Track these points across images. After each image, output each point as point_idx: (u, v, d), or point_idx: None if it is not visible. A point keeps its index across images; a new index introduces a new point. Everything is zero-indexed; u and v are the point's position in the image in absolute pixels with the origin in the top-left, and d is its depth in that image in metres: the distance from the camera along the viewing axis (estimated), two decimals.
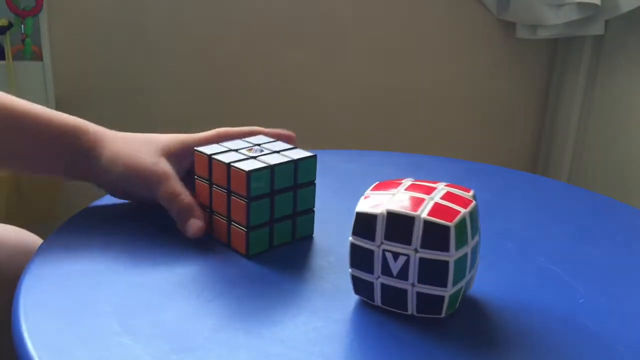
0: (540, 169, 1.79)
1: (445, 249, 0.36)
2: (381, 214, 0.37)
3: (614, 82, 1.58)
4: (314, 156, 0.48)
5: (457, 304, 0.39)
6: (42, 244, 0.47)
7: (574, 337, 0.39)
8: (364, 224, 0.38)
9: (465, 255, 0.37)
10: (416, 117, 1.62)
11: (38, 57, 1.21)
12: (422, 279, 0.37)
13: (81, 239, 0.48)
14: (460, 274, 0.37)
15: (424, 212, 0.37)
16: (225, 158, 0.46)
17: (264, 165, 0.45)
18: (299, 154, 0.48)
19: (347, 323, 0.39)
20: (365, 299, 0.40)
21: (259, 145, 0.50)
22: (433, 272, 0.37)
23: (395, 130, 1.61)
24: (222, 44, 1.41)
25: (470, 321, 0.40)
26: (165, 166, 0.50)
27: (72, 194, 1.23)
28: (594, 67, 1.62)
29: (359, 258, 0.39)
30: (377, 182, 0.42)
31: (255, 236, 0.46)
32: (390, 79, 1.57)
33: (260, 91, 1.47)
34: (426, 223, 0.36)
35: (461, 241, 0.37)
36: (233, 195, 0.46)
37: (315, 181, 0.49)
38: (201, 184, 0.49)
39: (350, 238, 0.39)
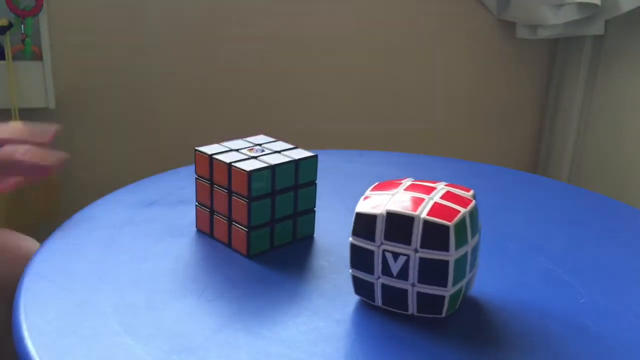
0: (541, 168, 1.79)
1: (445, 248, 0.36)
2: (381, 214, 0.37)
3: (614, 82, 1.58)
4: (315, 156, 0.48)
5: (458, 304, 0.39)
6: (42, 244, 0.47)
7: (574, 337, 0.39)
8: (364, 224, 0.38)
9: (465, 254, 0.37)
10: (416, 117, 1.62)
11: (38, 57, 1.21)
12: (422, 279, 0.37)
13: (81, 239, 0.48)
14: (460, 274, 0.37)
15: (423, 212, 0.37)
16: (226, 158, 0.46)
17: (265, 165, 0.45)
18: (299, 154, 0.48)
19: (348, 323, 0.39)
20: (365, 300, 0.40)
21: (260, 145, 0.50)
22: (433, 272, 0.37)
23: (395, 130, 1.61)
24: (222, 44, 1.41)
25: (471, 321, 0.40)
26: None
27: (72, 194, 1.23)
28: (594, 67, 1.62)
29: (359, 258, 0.39)
30: (377, 183, 0.42)
31: (256, 236, 0.46)
32: (390, 79, 1.57)
33: (260, 91, 1.47)
34: (426, 223, 0.36)
35: (461, 241, 0.37)
36: (234, 195, 0.46)
37: (316, 181, 0.49)
38: (202, 184, 0.49)
39: (350, 238, 0.39)
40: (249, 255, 0.46)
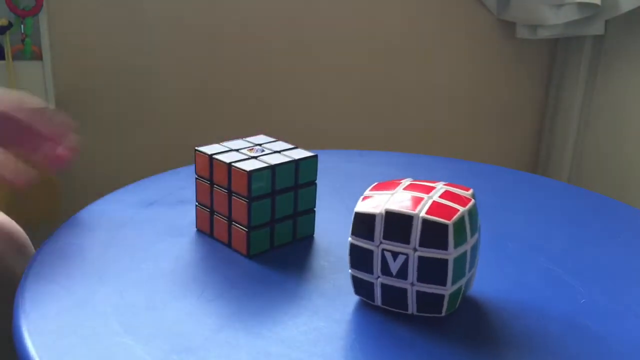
0: (540, 168, 1.79)
1: (444, 247, 0.36)
2: (380, 213, 0.37)
3: (614, 82, 1.58)
4: (315, 156, 0.48)
5: (458, 304, 0.39)
6: (42, 244, 0.47)
7: (574, 337, 0.39)
8: (363, 224, 0.38)
9: (465, 253, 0.37)
10: (416, 117, 1.62)
11: (38, 56, 1.21)
12: (421, 278, 0.37)
13: (81, 239, 0.48)
14: (459, 273, 0.37)
15: (422, 211, 0.37)
16: (226, 158, 0.46)
17: (264, 165, 0.45)
18: (300, 154, 0.48)
19: (348, 323, 0.39)
20: (365, 299, 0.40)
21: (260, 145, 0.50)
22: (432, 271, 0.37)
23: (395, 130, 1.61)
24: (222, 44, 1.41)
25: (471, 321, 0.40)
26: None
27: (72, 194, 1.23)
28: (594, 67, 1.62)
29: (359, 258, 0.39)
30: (377, 182, 0.42)
31: (256, 236, 0.46)
32: (390, 79, 1.57)
33: (260, 91, 1.47)
34: (424, 221, 0.36)
35: (460, 239, 0.37)
36: (234, 195, 0.46)
37: (316, 181, 0.49)
38: (202, 184, 0.49)
39: (350, 238, 0.39)
40: (249, 255, 0.46)
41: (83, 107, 1.34)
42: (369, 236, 0.38)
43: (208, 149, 0.48)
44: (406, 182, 0.41)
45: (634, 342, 0.38)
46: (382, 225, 0.37)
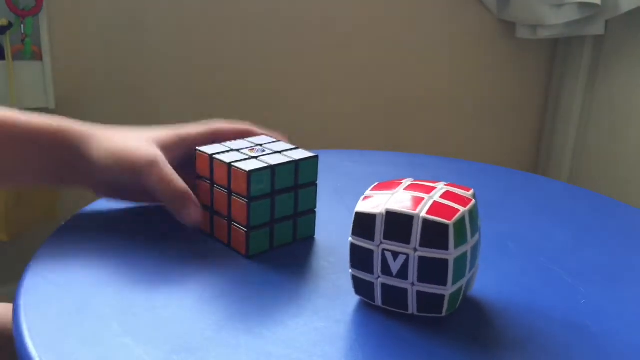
0: (541, 168, 1.79)
1: (445, 247, 0.36)
2: (380, 213, 0.37)
3: (614, 82, 1.58)
4: (316, 157, 0.48)
5: (458, 304, 0.39)
6: (43, 244, 0.47)
7: (575, 337, 0.39)
8: (363, 224, 0.38)
9: (465, 253, 0.37)
10: (416, 117, 1.62)
11: (38, 57, 1.21)
12: (421, 278, 0.37)
13: (82, 240, 0.48)
14: (460, 273, 0.37)
15: (422, 211, 0.37)
16: (227, 158, 0.46)
17: (264, 165, 0.45)
18: (300, 154, 0.48)
19: (348, 323, 0.39)
20: (365, 300, 0.40)
21: (260, 145, 0.50)
22: (433, 271, 0.37)
23: (395, 130, 1.61)
24: (222, 44, 1.41)
25: (471, 321, 0.40)
26: (155, 150, 0.47)
27: (73, 194, 1.23)
28: (594, 67, 1.62)
29: (359, 258, 0.39)
30: (377, 182, 0.42)
31: (255, 236, 0.46)
32: (391, 79, 1.57)
33: (260, 92, 1.47)
34: (425, 221, 0.36)
35: (460, 239, 0.37)
36: (234, 195, 0.46)
37: (317, 182, 0.49)
38: (203, 183, 0.49)
39: (350, 238, 0.39)
40: (248, 256, 0.46)
41: (83, 107, 1.34)
42: (370, 236, 0.38)
43: (209, 149, 0.48)
44: (407, 182, 0.41)
45: (634, 342, 0.38)
46: (383, 225, 0.37)
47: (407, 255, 0.37)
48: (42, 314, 0.38)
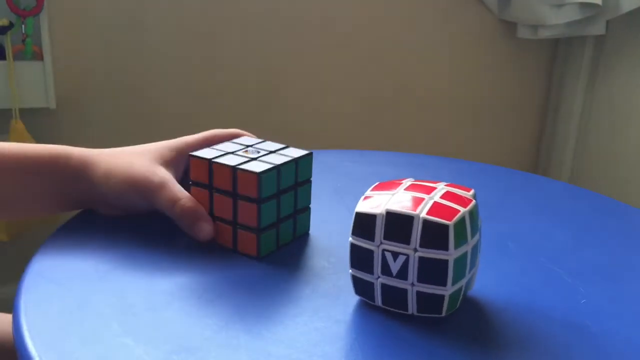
0: (541, 169, 1.79)
1: (445, 247, 0.36)
2: (380, 214, 0.37)
3: (615, 82, 1.58)
4: (311, 154, 0.49)
5: (458, 304, 0.39)
6: (43, 244, 0.47)
7: (575, 337, 0.39)
8: (363, 224, 0.38)
9: (465, 254, 0.37)
10: (417, 117, 1.62)
11: (39, 57, 1.21)
12: (421, 278, 0.37)
13: (82, 240, 0.48)
14: (460, 273, 0.37)
15: (423, 212, 0.37)
16: (228, 161, 0.46)
17: (271, 166, 0.45)
18: (296, 152, 0.48)
19: (348, 323, 0.39)
20: (366, 300, 0.40)
21: (250, 146, 0.49)
22: (432, 271, 0.37)
23: (395, 130, 1.61)
24: (222, 44, 1.41)
25: (471, 321, 0.40)
26: (162, 173, 0.49)
27: None
28: (595, 67, 1.62)
29: (359, 258, 0.39)
30: (378, 182, 0.42)
31: (265, 237, 0.46)
32: (391, 79, 1.57)
33: (260, 91, 1.47)
34: (425, 222, 0.36)
35: (460, 240, 0.37)
36: (240, 199, 0.46)
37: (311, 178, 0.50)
38: (198, 190, 0.48)
39: (350, 238, 0.39)
40: (259, 257, 0.46)
41: (84, 107, 1.34)
42: (370, 236, 0.38)
43: (203, 154, 0.47)
44: (407, 182, 0.41)
45: (635, 343, 0.38)
46: (383, 226, 0.37)
47: (407, 255, 0.37)
48: (42, 314, 0.38)
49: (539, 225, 0.55)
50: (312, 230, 0.51)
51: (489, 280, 0.44)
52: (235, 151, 0.48)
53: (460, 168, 0.71)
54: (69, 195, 0.50)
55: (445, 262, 0.36)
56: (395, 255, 0.37)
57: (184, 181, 0.50)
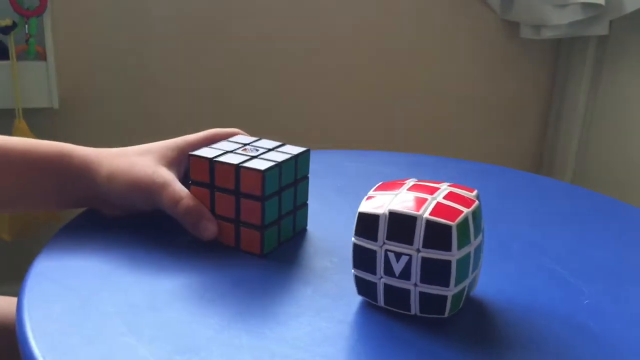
0: (544, 169, 1.79)
1: (447, 248, 0.36)
2: (383, 214, 0.37)
3: (618, 83, 1.58)
4: (308, 150, 0.50)
5: (461, 304, 0.39)
6: (46, 244, 0.47)
7: (577, 338, 0.38)
8: (366, 224, 0.38)
9: (468, 254, 0.37)
10: (419, 117, 1.62)
11: (42, 57, 1.21)
12: (424, 279, 0.37)
13: (85, 239, 0.48)
14: (463, 274, 0.37)
15: (426, 212, 0.37)
16: (230, 160, 0.46)
17: (273, 163, 0.46)
18: (294, 149, 0.49)
19: (351, 323, 0.39)
20: (368, 300, 0.40)
21: (247, 144, 0.50)
22: (435, 272, 0.37)
23: (397, 130, 1.61)
24: (223, 44, 1.41)
25: (474, 321, 0.40)
26: (164, 173, 0.49)
27: None
28: (598, 67, 1.62)
29: (362, 258, 0.39)
30: (381, 182, 0.42)
31: (268, 235, 0.46)
32: (393, 79, 1.57)
33: (261, 91, 1.47)
34: (428, 222, 0.36)
35: (463, 241, 0.37)
36: (243, 197, 0.46)
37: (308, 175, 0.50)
38: (199, 189, 0.48)
39: (353, 238, 0.39)
40: (262, 254, 0.46)
41: (87, 107, 1.34)
42: (372, 236, 0.38)
43: (204, 153, 0.47)
44: (410, 182, 0.41)
45: (637, 342, 0.38)
46: (386, 226, 0.37)
47: (410, 256, 0.37)
48: (45, 313, 0.38)
49: (542, 225, 0.55)
50: (314, 230, 0.51)
51: (492, 280, 0.44)
52: (234, 150, 0.48)
53: (462, 168, 0.71)
54: (70, 193, 0.50)
55: (448, 263, 0.36)
56: (398, 255, 0.37)
57: (185, 181, 0.51)
